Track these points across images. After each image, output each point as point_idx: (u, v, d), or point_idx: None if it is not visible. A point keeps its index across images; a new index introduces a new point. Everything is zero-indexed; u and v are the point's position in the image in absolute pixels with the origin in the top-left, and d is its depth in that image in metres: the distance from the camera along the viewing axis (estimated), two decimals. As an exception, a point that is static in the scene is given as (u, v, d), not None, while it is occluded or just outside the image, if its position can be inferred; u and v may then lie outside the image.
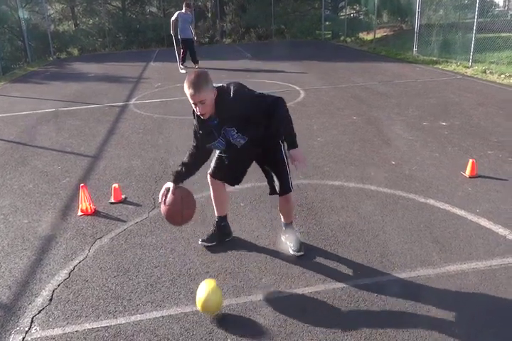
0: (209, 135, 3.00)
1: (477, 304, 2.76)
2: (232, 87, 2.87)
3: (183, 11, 12.32)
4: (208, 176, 3.40)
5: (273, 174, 3.22)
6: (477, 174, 4.61)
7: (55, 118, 7.91)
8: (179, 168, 3.11)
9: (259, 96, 2.93)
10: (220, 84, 2.92)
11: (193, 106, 2.82)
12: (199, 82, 2.72)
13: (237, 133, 2.97)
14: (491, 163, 4.95)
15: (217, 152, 3.29)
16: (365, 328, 2.60)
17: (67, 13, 22.38)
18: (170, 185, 3.09)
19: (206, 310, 2.70)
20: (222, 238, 3.56)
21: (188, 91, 2.74)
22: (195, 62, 12.84)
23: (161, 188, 3.12)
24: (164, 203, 3.07)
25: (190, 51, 12.68)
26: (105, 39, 20.52)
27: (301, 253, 3.34)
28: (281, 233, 3.58)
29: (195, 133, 3.09)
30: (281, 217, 3.47)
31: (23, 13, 16.50)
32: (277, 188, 3.23)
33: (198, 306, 2.71)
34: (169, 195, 3.06)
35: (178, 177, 3.11)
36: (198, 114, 2.84)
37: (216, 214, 3.57)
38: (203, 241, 3.52)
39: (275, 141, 3.16)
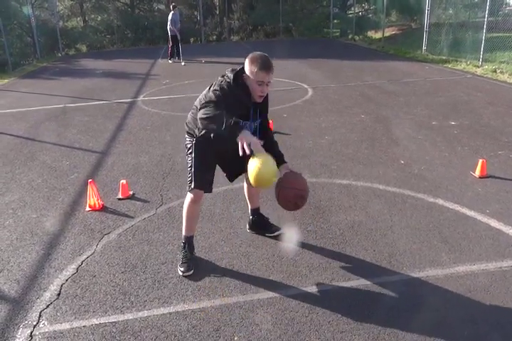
0: (244, 116, 2.90)
1: (487, 305, 2.74)
2: None
3: (173, 11, 13.94)
4: (190, 196, 3.15)
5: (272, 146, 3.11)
6: (487, 174, 4.57)
7: (64, 114, 7.93)
8: (233, 121, 2.64)
9: None
10: None
11: (257, 87, 2.77)
12: (271, 63, 2.77)
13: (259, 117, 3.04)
14: (502, 163, 4.91)
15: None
16: (373, 328, 2.59)
17: (76, 10, 22.46)
18: (253, 138, 2.67)
19: (260, 183, 2.71)
20: (265, 231, 3.59)
21: (262, 70, 2.72)
22: (179, 56, 14.05)
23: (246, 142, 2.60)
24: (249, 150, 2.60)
25: (177, 46, 14.10)
26: (113, 36, 20.57)
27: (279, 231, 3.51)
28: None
29: (222, 103, 2.76)
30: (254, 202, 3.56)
31: (27, 9, 16.53)
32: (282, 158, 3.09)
33: (252, 181, 2.73)
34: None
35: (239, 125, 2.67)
36: (260, 95, 2.82)
37: (250, 208, 3.60)
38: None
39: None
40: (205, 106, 2.76)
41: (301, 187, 2.87)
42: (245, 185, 3.47)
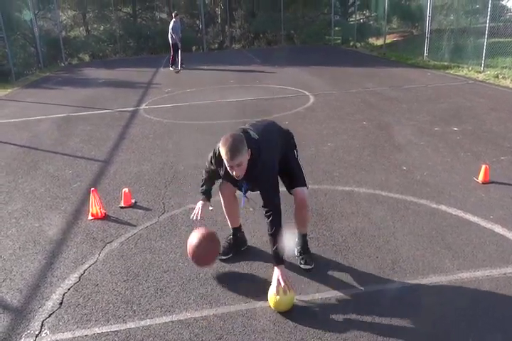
0: (232, 181, 3.08)
1: (492, 312, 2.71)
2: (262, 155, 2.84)
3: (174, 19, 14.07)
4: (219, 186, 3.33)
5: (287, 172, 3.18)
6: (490, 180, 4.55)
7: (67, 123, 7.96)
8: (204, 186, 3.28)
9: (270, 184, 2.91)
10: (253, 138, 2.87)
11: (229, 168, 2.78)
12: (236, 146, 2.68)
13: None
14: (505, 168, 4.89)
15: None
16: (376, 335, 2.57)
17: (79, 20, 22.63)
18: (202, 202, 3.25)
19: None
20: (238, 248, 3.50)
21: (225, 155, 2.69)
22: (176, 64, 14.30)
23: (195, 206, 3.27)
24: (197, 220, 3.21)
25: (177, 54, 14.35)
26: (116, 45, 20.69)
27: (310, 266, 3.23)
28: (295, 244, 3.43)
29: (213, 172, 3.17)
30: (296, 226, 3.35)
31: (29, 14, 16.64)
32: (293, 183, 3.15)
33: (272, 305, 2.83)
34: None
35: (208, 192, 3.28)
36: (234, 176, 2.82)
37: (230, 227, 3.52)
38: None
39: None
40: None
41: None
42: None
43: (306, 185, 3.19)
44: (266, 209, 2.89)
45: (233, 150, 2.67)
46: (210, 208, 3.35)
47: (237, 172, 2.76)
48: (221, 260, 3.38)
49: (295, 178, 3.18)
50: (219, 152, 2.82)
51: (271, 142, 3.00)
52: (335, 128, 6.78)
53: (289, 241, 3.45)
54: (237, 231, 3.52)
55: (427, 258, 3.28)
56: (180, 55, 14.27)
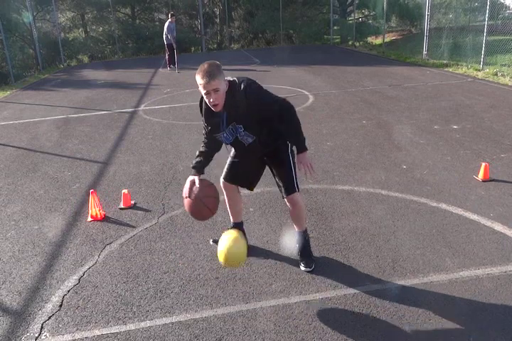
0: (216, 127, 2.97)
1: (492, 310, 2.70)
2: (243, 83, 2.80)
3: (170, 20, 14.00)
4: (221, 182, 3.32)
5: (277, 174, 3.15)
6: (490, 178, 4.54)
7: (66, 124, 7.96)
8: (198, 158, 3.08)
9: (268, 95, 2.89)
10: (232, 78, 2.86)
11: (205, 96, 2.76)
12: (213, 70, 2.68)
13: (244, 131, 2.92)
14: (505, 166, 4.88)
15: (230, 157, 3.28)
16: (377, 334, 2.56)
17: (78, 21, 22.62)
18: (193, 177, 3.02)
19: (229, 262, 2.83)
20: None
21: (201, 79, 2.67)
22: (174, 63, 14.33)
23: (184, 186, 3.05)
24: (190, 196, 2.98)
25: (173, 54, 14.30)
26: (115, 46, 20.69)
27: (309, 269, 3.20)
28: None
29: (204, 124, 3.07)
30: (293, 224, 3.37)
31: (28, 16, 16.62)
32: (282, 190, 3.13)
33: (221, 259, 2.84)
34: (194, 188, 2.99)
35: (200, 167, 3.06)
36: (211, 105, 2.77)
37: (232, 221, 3.54)
38: (214, 241, 3.49)
39: (283, 142, 3.13)
40: None
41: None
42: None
43: (296, 190, 3.14)
44: (282, 111, 2.91)
45: (208, 73, 2.65)
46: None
47: (214, 99, 2.72)
48: None
49: (285, 184, 3.12)
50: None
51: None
52: (334, 127, 6.76)
53: (290, 240, 3.45)
54: (239, 226, 3.51)
55: (428, 257, 3.27)
56: (175, 55, 14.36)
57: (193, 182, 3.00)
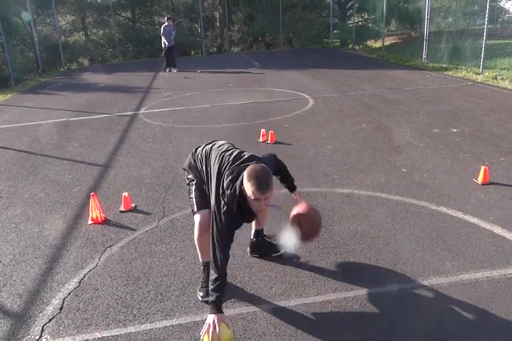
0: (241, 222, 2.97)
1: (492, 314, 2.71)
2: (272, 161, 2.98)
3: (166, 24, 14.32)
4: (200, 216, 2.98)
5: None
6: (490, 181, 4.55)
7: (66, 128, 7.97)
8: (220, 286, 2.58)
9: (271, 165, 2.91)
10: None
11: (253, 202, 2.59)
12: (270, 181, 2.57)
13: None
14: (504, 169, 4.90)
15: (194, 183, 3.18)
16: (377, 337, 2.56)
17: (78, 24, 22.67)
18: (214, 317, 2.51)
19: None
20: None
21: (258, 189, 2.50)
22: (174, 66, 14.76)
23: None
24: (212, 338, 2.47)
25: (172, 56, 14.72)
26: (115, 49, 20.73)
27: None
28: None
29: (232, 229, 2.76)
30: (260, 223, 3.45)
31: (27, 16, 16.63)
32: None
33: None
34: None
35: (221, 302, 2.62)
36: (257, 210, 2.68)
37: (201, 260, 3.15)
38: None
39: None
40: (217, 230, 2.66)
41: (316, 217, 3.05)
42: None
43: None
44: (280, 166, 3.10)
45: (267, 186, 2.53)
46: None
47: (265, 205, 2.62)
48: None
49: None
50: (239, 191, 2.62)
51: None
52: (334, 130, 6.78)
53: (289, 240, 3.47)
54: (259, 234, 3.48)
55: (427, 260, 3.28)
56: (170, 57, 14.73)
57: (219, 323, 2.50)
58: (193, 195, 3.11)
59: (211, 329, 2.46)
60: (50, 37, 19.74)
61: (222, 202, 2.68)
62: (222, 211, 2.66)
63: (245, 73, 13.31)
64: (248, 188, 2.54)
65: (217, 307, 2.55)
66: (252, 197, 2.55)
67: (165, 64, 14.99)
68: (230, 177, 2.68)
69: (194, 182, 3.16)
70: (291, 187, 3.24)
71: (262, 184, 2.51)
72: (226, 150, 2.93)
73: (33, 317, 2.90)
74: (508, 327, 2.59)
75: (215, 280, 2.58)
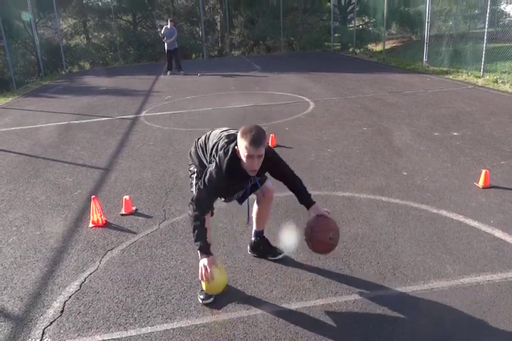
0: (235, 190, 3.06)
1: (493, 317, 2.71)
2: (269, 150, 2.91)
3: (168, 26, 14.32)
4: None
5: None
6: (490, 184, 4.55)
7: (67, 131, 7.99)
8: (200, 236, 2.80)
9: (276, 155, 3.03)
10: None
11: (246, 159, 2.69)
12: (263, 137, 2.67)
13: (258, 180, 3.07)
14: (505, 173, 4.90)
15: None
16: (378, 341, 2.56)
17: (79, 28, 22.72)
18: (205, 261, 2.76)
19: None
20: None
21: (251, 143, 2.62)
22: (180, 68, 14.75)
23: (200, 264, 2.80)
24: (206, 279, 2.76)
25: (175, 59, 14.68)
26: (116, 53, 20.76)
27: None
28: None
29: (216, 191, 2.90)
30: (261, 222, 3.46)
31: (28, 16, 16.66)
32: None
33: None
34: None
35: (208, 246, 2.82)
36: (251, 169, 2.74)
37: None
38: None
39: None
40: (199, 188, 2.88)
41: (331, 228, 2.96)
42: (256, 205, 3.38)
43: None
44: (295, 179, 3.07)
45: (259, 140, 2.65)
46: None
47: (257, 164, 2.73)
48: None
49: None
50: (232, 151, 2.75)
51: None
52: (335, 134, 6.79)
53: (290, 240, 3.48)
54: (258, 234, 3.51)
55: (428, 264, 3.28)
56: (172, 61, 14.73)
57: (206, 267, 2.75)
58: (194, 188, 3.16)
59: (203, 272, 2.74)
60: (51, 40, 19.78)
61: (214, 163, 2.82)
62: (210, 169, 2.81)
63: (246, 76, 13.34)
64: (242, 145, 2.67)
65: (205, 252, 2.79)
66: (246, 154, 2.66)
67: (166, 67, 15.02)
68: (225, 140, 2.88)
69: (195, 176, 3.19)
70: (307, 201, 3.04)
71: (255, 138, 2.62)
72: (224, 131, 3.06)
73: (33, 320, 2.90)
74: (510, 331, 2.58)
75: (193, 231, 2.81)
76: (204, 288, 2.92)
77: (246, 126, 2.71)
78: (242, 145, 2.67)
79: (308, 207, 3.02)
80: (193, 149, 3.23)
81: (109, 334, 2.74)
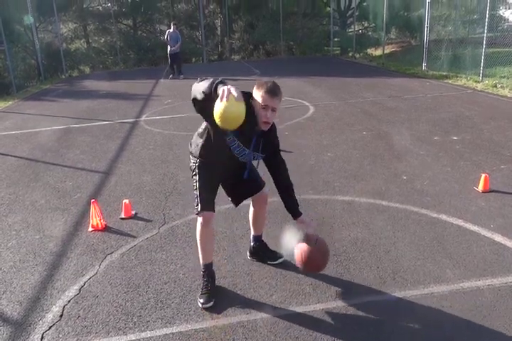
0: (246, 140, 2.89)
1: (493, 322, 2.70)
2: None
3: (172, 30, 14.41)
4: (201, 218, 2.97)
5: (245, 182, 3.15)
6: (490, 189, 4.55)
7: (67, 135, 7.99)
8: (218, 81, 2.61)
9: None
10: None
11: (261, 110, 2.70)
12: (278, 89, 2.74)
13: (257, 152, 2.95)
14: (504, 177, 4.90)
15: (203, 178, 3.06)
16: (378, 346, 2.55)
17: (80, 32, 22.79)
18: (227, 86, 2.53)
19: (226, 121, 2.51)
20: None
21: (267, 92, 2.68)
22: (180, 73, 14.74)
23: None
24: (228, 96, 2.46)
25: (177, 63, 14.76)
26: (116, 57, 20.81)
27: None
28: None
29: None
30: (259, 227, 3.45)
31: (29, 19, 16.69)
32: (260, 186, 3.23)
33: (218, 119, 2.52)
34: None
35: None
36: (263, 120, 2.72)
37: (203, 263, 3.13)
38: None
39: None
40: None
41: (323, 262, 3.02)
42: (251, 209, 3.38)
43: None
44: (283, 166, 3.05)
45: (277, 90, 2.71)
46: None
47: (271, 116, 2.73)
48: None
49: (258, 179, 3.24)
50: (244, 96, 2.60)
51: None
52: (335, 138, 6.80)
53: (289, 244, 3.47)
54: (257, 239, 3.49)
55: (428, 268, 3.27)
56: (174, 65, 14.75)
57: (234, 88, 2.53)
58: (197, 191, 2.99)
59: (225, 92, 2.44)
60: (51, 44, 19.83)
61: None
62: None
63: (246, 80, 13.36)
64: (257, 95, 2.72)
65: (224, 83, 2.56)
66: (262, 103, 2.69)
67: (167, 70, 15.07)
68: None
69: (198, 171, 3.02)
70: (295, 212, 3.03)
71: (271, 88, 2.69)
72: None
73: (32, 325, 2.89)
74: (510, 336, 2.58)
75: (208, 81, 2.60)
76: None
77: (263, 80, 2.80)
78: (258, 95, 2.73)
79: (294, 218, 3.03)
80: (194, 136, 3.12)
81: (108, 339, 2.73)
